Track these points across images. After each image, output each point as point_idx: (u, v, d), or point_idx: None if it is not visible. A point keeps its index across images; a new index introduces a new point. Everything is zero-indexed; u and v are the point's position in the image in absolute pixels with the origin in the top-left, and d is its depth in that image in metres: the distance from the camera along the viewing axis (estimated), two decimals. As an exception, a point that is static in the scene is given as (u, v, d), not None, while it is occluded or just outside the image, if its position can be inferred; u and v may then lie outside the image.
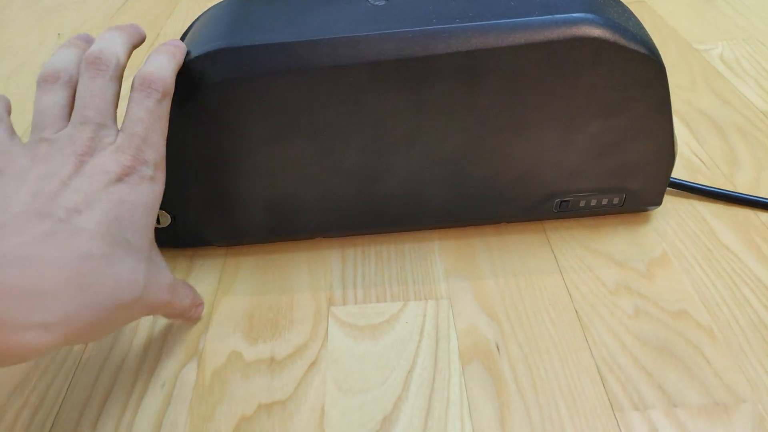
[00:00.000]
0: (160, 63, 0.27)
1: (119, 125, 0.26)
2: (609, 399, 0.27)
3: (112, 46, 0.26)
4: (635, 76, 0.29)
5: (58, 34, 0.65)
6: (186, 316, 0.30)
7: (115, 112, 0.26)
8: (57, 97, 0.26)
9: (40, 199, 0.22)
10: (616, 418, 0.26)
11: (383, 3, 0.30)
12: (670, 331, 0.30)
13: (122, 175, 0.24)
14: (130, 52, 0.28)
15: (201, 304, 0.31)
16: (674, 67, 0.51)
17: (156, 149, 0.26)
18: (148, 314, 0.26)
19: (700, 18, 0.59)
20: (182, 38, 0.34)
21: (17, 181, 0.23)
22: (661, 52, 0.53)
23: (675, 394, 0.27)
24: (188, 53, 0.29)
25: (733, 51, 0.53)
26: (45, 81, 0.26)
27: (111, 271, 0.23)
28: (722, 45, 0.54)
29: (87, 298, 0.22)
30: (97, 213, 0.23)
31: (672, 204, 0.37)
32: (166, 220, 0.33)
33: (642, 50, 0.29)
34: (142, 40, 0.29)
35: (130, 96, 0.26)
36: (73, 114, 0.25)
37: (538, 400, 0.27)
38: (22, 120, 0.50)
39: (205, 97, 0.28)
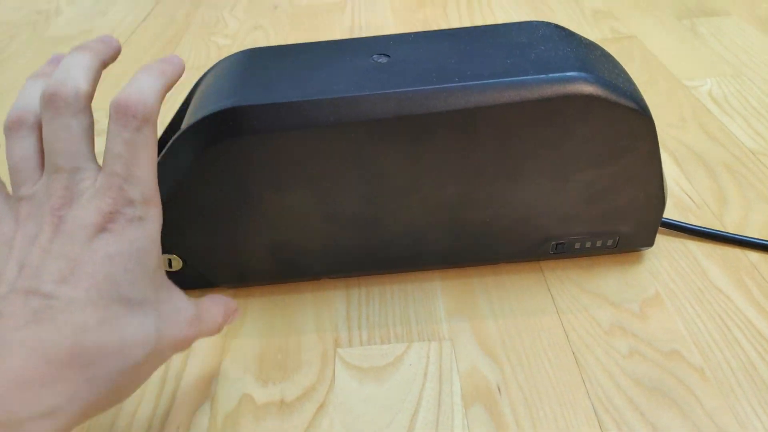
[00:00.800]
0: (140, 84, 0.23)
1: (101, 160, 0.24)
2: (605, 441, 0.28)
3: (71, 73, 0.23)
4: (625, 129, 0.31)
5: (66, 70, 0.67)
6: (221, 329, 0.28)
7: (91, 149, 0.24)
8: (26, 146, 0.24)
9: (25, 274, 0.21)
10: (612, 459, 0.27)
11: (386, 60, 0.31)
12: (663, 372, 0.31)
13: (104, 223, 0.22)
14: (98, 74, 0.25)
15: (235, 310, 0.29)
16: (664, 105, 0.53)
17: (143, 184, 0.23)
18: (178, 352, 0.25)
19: (690, 54, 0.61)
20: (194, 88, 0.36)
21: (6, 250, 0.22)
22: (651, 89, 0.55)
23: (668, 435, 0.28)
24: (201, 109, 0.30)
25: (721, 87, 0.55)
26: (10, 129, 0.24)
27: (113, 337, 0.21)
28: (711, 81, 0.56)
29: (92, 372, 0.20)
30: (84, 278, 0.21)
31: (664, 243, 0.39)
32: (178, 264, 0.35)
33: (631, 105, 0.30)
34: (116, 54, 0.26)
35: (107, 127, 0.23)
36: (44, 162, 0.23)
37: (537, 442, 0.28)
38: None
39: (216, 152, 0.30)
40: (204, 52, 0.68)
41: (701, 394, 0.30)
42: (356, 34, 0.70)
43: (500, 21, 0.70)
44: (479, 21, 0.71)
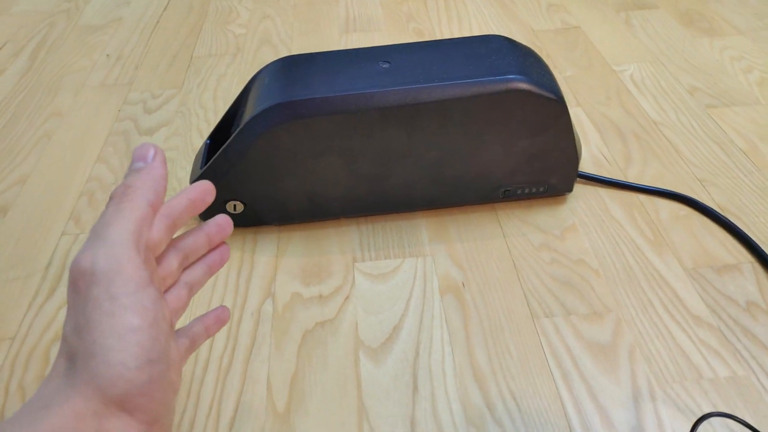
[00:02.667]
0: None
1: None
2: (530, 312, 0.44)
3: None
4: (548, 112, 0.46)
5: (107, 55, 0.79)
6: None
7: None
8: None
9: None
10: (534, 322, 0.44)
11: (388, 66, 0.46)
12: (572, 272, 0.47)
13: None
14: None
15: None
16: (596, 86, 0.68)
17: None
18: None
19: (621, 42, 0.76)
20: (247, 88, 0.50)
21: None
22: (587, 73, 0.70)
23: (571, 308, 0.44)
24: (260, 104, 0.45)
25: (641, 71, 0.70)
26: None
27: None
28: (634, 66, 0.71)
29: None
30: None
31: (582, 190, 0.55)
32: (241, 208, 0.49)
33: (552, 96, 0.45)
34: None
35: None
36: None
37: (488, 314, 0.44)
38: (92, 134, 0.65)
39: (273, 131, 0.44)
40: (223, 40, 0.81)
41: (595, 285, 0.46)
42: (351, 24, 0.83)
43: (472, 13, 0.84)
44: (453, 13, 0.85)
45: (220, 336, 0.44)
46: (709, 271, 0.47)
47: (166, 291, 0.32)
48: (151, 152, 0.29)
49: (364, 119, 0.44)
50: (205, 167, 0.48)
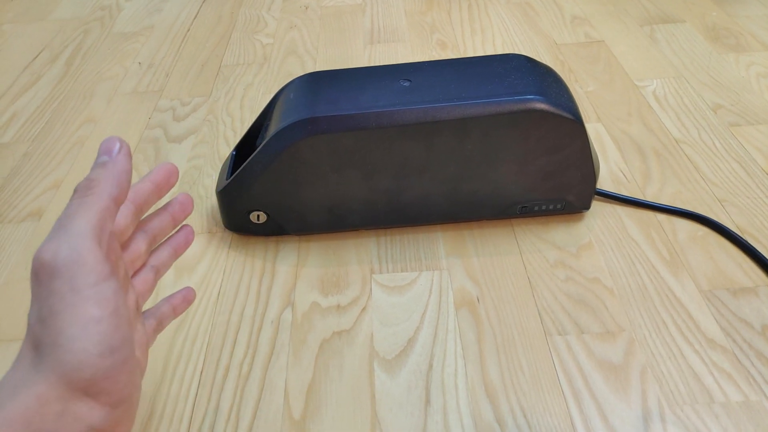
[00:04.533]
0: None
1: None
2: (543, 328, 0.45)
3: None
4: (565, 131, 0.46)
5: (139, 63, 0.82)
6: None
7: None
8: None
9: None
10: (546, 340, 0.44)
11: (408, 84, 0.47)
12: (586, 290, 0.48)
13: None
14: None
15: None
16: (617, 102, 0.68)
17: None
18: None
19: (644, 57, 0.76)
20: (272, 101, 0.51)
21: None
22: (608, 88, 0.71)
23: (584, 326, 0.45)
24: (286, 119, 0.46)
25: (663, 87, 0.70)
26: None
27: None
28: (656, 82, 0.71)
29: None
30: None
31: (599, 207, 0.55)
32: (264, 218, 0.51)
33: (570, 116, 0.46)
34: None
35: None
36: None
37: (501, 330, 0.45)
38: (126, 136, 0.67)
39: (297, 145, 0.46)
40: (251, 49, 0.83)
41: (609, 304, 0.47)
42: (375, 35, 0.84)
43: (495, 25, 0.85)
44: (477, 25, 0.85)
45: (241, 343, 0.45)
46: (724, 293, 0.47)
47: (134, 274, 0.33)
48: (116, 146, 0.29)
49: (384, 136, 0.45)
50: (231, 178, 0.49)
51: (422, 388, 0.42)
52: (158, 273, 0.35)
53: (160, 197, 0.33)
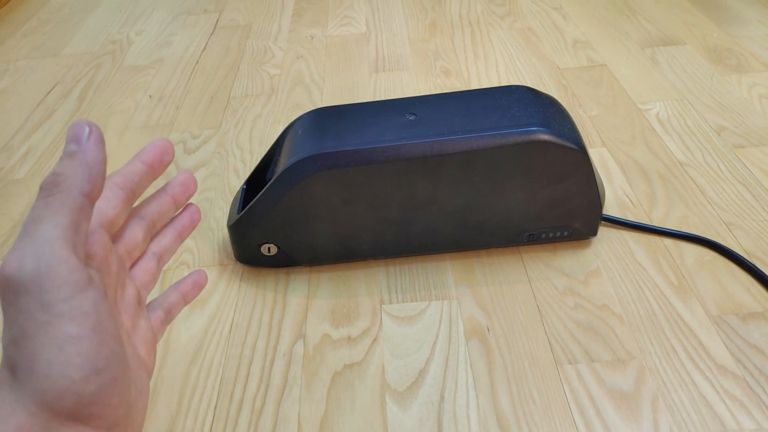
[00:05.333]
0: None
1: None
2: (554, 357, 0.45)
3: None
4: (569, 161, 0.47)
5: (150, 96, 0.84)
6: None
7: None
8: None
9: None
10: (557, 369, 0.45)
11: (413, 118, 0.48)
12: (596, 318, 0.48)
13: None
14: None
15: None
16: (620, 125, 0.69)
17: None
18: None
19: (646, 80, 0.77)
20: (281, 137, 0.53)
21: None
22: (611, 112, 0.71)
23: (594, 354, 0.45)
24: (295, 154, 0.47)
25: (667, 110, 0.71)
26: None
27: None
28: (659, 105, 0.72)
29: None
30: None
31: (606, 233, 0.55)
32: (274, 250, 0.52)
33: (573, 147, 0.47)
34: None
35: None
36: None
37: (512, 360, 0.45)
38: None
39: (306, 181, 0.47)
40: (259, 80, 0.85)
41: (618, 332, 0.47)
42: (380, 64, 0.86)
43: (498, 50, 0.86)
44: (480, 51, 0.87)
45: (254, 376, 0.46)
46: (734, 318, 0.47)
47: (133, 264, 0.30)
48: (85, 131, 0.25)
49: (391, 169, 0.46)
50: (243, 212, 0.50)
51: (434, 421, 0.42)
52: (161, 260, 0.32)
53: (154, 178, 0.29)
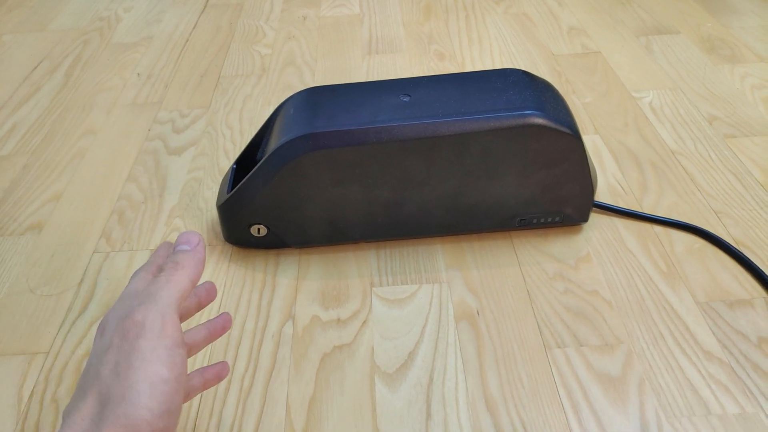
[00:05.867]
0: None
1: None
2: (543, 341, 0.45)
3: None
4: (563, 146, 0.47)
5: (138, 74, 0.82)
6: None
7: None
8: None
9: None
10: (546, 352, 0.45)
11: (408, 99, 0.48)
12: (585, 303, 0.48)
13: None
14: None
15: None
16: (614, 112, 0.69)
17: None
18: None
19: (641, 68, 0.77)
20: (272, 117, 0.52)
21: None
22: (605, 99, 0.71)
23: (582, 339, 0.45)
24: (286, 134, 0.46)
25: (660, 99, 0.71)
26: None
27: None
28: (653, 93, 0.72)
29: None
30: None
31: (597, 219, 0.55)
32: (264, 231, 0.51)
33: (567, 131, 0.46)
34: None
35: None
36: None
37: (501, 343, 0.45)
38: (123, 153, 0.67)
39: (298, 161, 0.46)
40: (249, 60, 0.83)
41: (607, 316, 0.47)
42: (373, 46, 0.85)
43: (492, 35, 0.86)
44: (474, 35, 0.86)
45: (242, 357, 0.45)
46: (721, 305, 0.47)
47: None
48: (196, 239, 0.35)
49: (384, 150, 0.46)
50: (232, 192, 0.50)
51: (423, 402, 0.42)
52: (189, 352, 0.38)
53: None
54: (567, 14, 0.90)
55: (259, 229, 0.51)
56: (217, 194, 0.58)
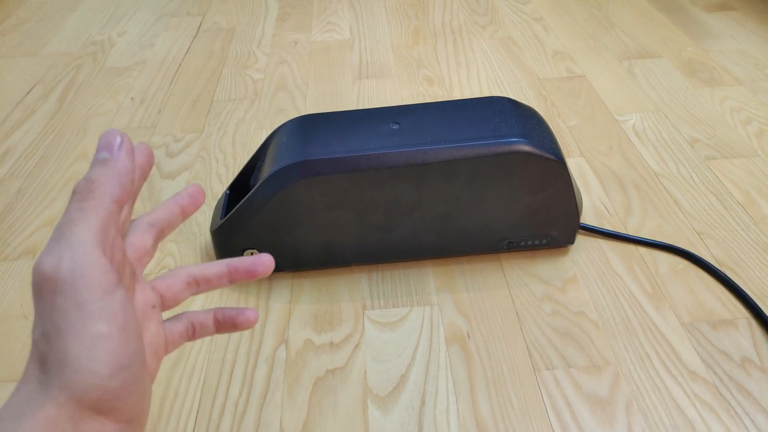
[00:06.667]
0: None
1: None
2: (532, 363, 0.46)
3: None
4: (548, 171, 0.48)
5: (131, 98, 0.83)
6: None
7: None
8: None
9: None
10: (535, 374, 0.46)
11: (397, 127, 0.49)
12: (572, 324, 0.49)
13: None
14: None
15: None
16: (598, 136, 0.71)
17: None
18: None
19: (624, 91, 0.79)
20: (265, 144, 0.53)
21: None
22: (590, 123, 0.73)
23: (571, 360, 0.46)
24: (279, 161, 0.48)
25: (642, 122, 0.73)
26: None
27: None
28: (636, 116, 0.74)
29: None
30: None
31: (584, 241, 0.57)
32: (257, 256, 0.52)
33: (552, 157, 0.48)
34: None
35: None
36: None
37: (491, 365, 0.46)
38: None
39: (291, 187, 0.47)
40: (242, 85, 0.85)
41: (594, 337, 0.48)
42: (363, 70, 0.87)
43: (479, 59, 0.88)
44: (462, 59, 0.88)
45: (236, 381, 0.46)
46: (704, 325, 0.48)
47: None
48: (117, 140, 0.27)
49: (375, 177, 0.47)
50: (226, 218, 0.51)
51: (415, 425, 0.42)
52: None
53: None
54: (552, 39, 0.92)
55: (252, 254, 0.52)
56: (210, 219, 0.58)
